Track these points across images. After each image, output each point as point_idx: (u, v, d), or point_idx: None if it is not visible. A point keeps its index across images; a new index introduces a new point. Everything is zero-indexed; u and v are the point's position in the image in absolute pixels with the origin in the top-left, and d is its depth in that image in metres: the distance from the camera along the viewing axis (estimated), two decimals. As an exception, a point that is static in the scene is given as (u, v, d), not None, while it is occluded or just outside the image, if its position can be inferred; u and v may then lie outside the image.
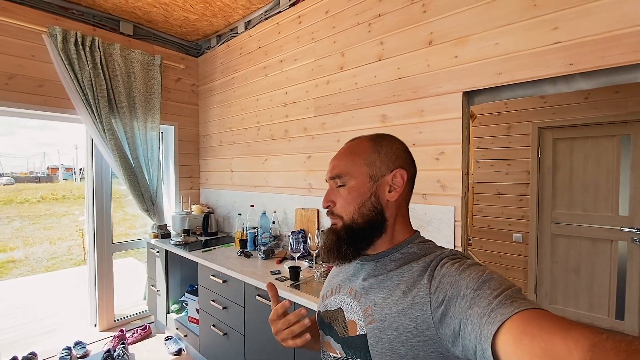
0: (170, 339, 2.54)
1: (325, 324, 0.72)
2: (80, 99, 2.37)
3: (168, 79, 3.02)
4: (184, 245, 2.46)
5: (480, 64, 1.43)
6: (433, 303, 0.53)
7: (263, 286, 1.64)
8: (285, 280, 1.68)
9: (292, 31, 2.31)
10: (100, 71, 2.45)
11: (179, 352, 2.42)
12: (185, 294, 2.51)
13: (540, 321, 0.40)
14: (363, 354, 0.60)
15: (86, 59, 2.38)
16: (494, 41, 1.40)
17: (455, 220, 1.50)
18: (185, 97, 3.19)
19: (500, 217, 3.19)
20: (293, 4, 2.29)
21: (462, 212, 1.49)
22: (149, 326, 2.73)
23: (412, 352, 0.54)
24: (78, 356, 2.34)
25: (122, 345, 2.37)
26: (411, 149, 0.72)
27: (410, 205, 0.72)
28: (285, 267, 1.84)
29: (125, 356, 2.29)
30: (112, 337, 2.52)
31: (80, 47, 2.35)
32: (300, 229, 2.19)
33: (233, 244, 2.49)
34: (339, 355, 0.66)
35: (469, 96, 1.53)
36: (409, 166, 0.69)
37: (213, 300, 2.04)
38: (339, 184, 0.68)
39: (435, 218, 1.56)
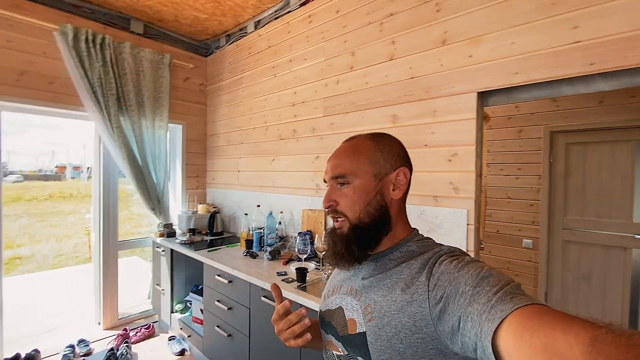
0: (174, 339, 2.52)
1: (326, 322, 0.72)
2: (89, 97, 2.38)
3: (177, 78, 3.02)
4: (190, 244, 2.45)
5: (496, 63, 1.40)
6: (431, 300, 0.53)
7: (269, 287, 1.61)
8: (291, 281, 1.65)
9: (302, 31, 2.29)
10: (110, 69, 2.46)
11: (182, 353, 2.40)
12: (190, 293, 2.49)
13: (541, 316, 0.40)
14: (363, 351, 0.61)
15: (96, 56, 2.39)
16: (510, 40, 1.36)
17: (467, 224, 1.46)
18: (193, 96, 3.20)
19: (510, 222, 3.13)
20: (303, 4, 2.28)
21: (475, 215, 1.45)
22: (153, 325, 2.72)
23: (411, 349, 0.55)
24: (81, 354, 2.33)
25: (125, 344, 2.36)
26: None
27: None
28: (291, 269, 1.82)
29: (128, 355, 2.27)
30: (115, 336, 2.51)
31: (91, 44, 2.36)
32: (307, 230, 2.16)
33: (239, 244, 2.47)
34: (341, 353, 0.67)
35: (483, 96, 1.49)
36: (409, 165, 0.70)
37: (218, 301, 2.02)
38: (341, 183, 0.67)
39: (447, 221, 1.52)
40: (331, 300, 0.73)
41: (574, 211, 2.86)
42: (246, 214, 2.55)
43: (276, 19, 2.49)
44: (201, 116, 3.27)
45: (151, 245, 2.88)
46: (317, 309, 1.34)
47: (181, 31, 2.97)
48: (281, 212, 2.40)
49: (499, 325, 0.42)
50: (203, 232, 2.84)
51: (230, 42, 2.95)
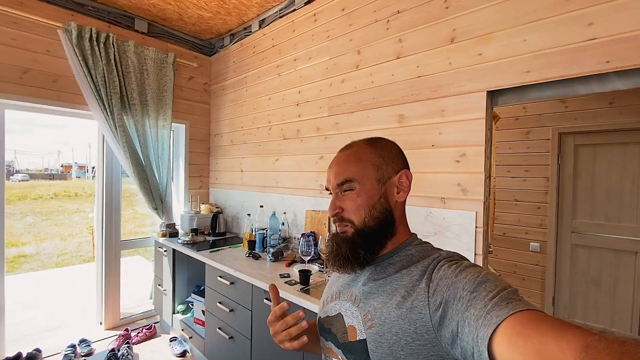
0: (175, 340, 2.49)
1: (325, 329, 0.71)
2: (93, 95, 2.36)
3: (180, 77, 3.01)
4: (192, 244, 2.42)
5: (507, 61, 1.36)
6: (431, 306, 0.53)
7: (272, 289, 1.58)
8: (294, 284, 1.62)
9: (307, 29, 2.27)
10: (114, 67, 2.45)
11: (183, 354, 2.37)
12: (192, 294, 2.47)
13: (535, 322, 0.40)
14: (363, 358, 0.60)
15: (100, 55, 2.38)
16: (521, 38, 1.32)
17: (476, 227, 1.42)
18: (197, 95, 3.18)
19: (517, 225, 3.08)
20: (308, 2, 2.25)
21: (484, 217, 1.41)
22: (154, 326, 2.69)
23: (412, 356, 0.54)
24: (82, 354, 2.31)
25: (126, 345, 2.34)
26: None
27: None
28: (294, 270, 1.78)
29: (129, 356, 2.25)
30: (117, 336, 2.49)
31: (95, 43, 2.35)
32: (311, 232, 2.13)
33: (241, 244, 2.45)
34: None
35: (493, 96, 1.45)
36: (408, 167, 0.71)
37: (220, 302, 1.99)
38: (345, 190, 0.67)
39: (455, 223, 1.48)
40: (330, 306, 0.72)
41: (582, 214, 2.81)
42: (249, 215, 2.52)
43: (281, 17, 2.46)
44: (205, 116, 3.25)
45: (154, 245, 2.87)
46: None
47: (185, 30, 2.95)
48: (284, 213, 2.37)
49: (494, 331, 0.42)
50: (205, 233, 2.82)
51: (235, 41, 2.93)
